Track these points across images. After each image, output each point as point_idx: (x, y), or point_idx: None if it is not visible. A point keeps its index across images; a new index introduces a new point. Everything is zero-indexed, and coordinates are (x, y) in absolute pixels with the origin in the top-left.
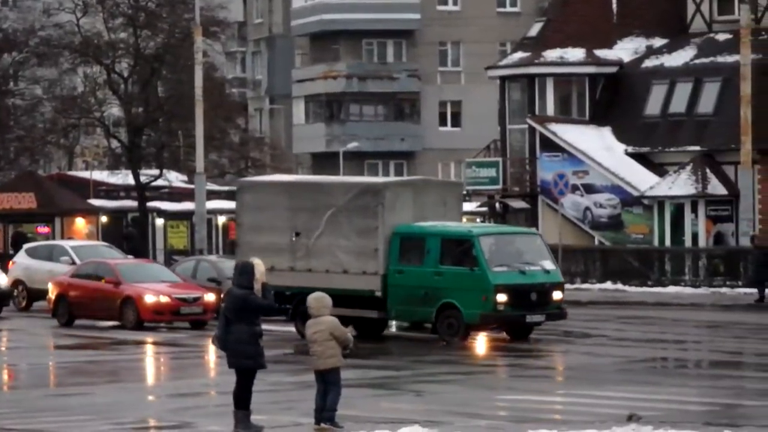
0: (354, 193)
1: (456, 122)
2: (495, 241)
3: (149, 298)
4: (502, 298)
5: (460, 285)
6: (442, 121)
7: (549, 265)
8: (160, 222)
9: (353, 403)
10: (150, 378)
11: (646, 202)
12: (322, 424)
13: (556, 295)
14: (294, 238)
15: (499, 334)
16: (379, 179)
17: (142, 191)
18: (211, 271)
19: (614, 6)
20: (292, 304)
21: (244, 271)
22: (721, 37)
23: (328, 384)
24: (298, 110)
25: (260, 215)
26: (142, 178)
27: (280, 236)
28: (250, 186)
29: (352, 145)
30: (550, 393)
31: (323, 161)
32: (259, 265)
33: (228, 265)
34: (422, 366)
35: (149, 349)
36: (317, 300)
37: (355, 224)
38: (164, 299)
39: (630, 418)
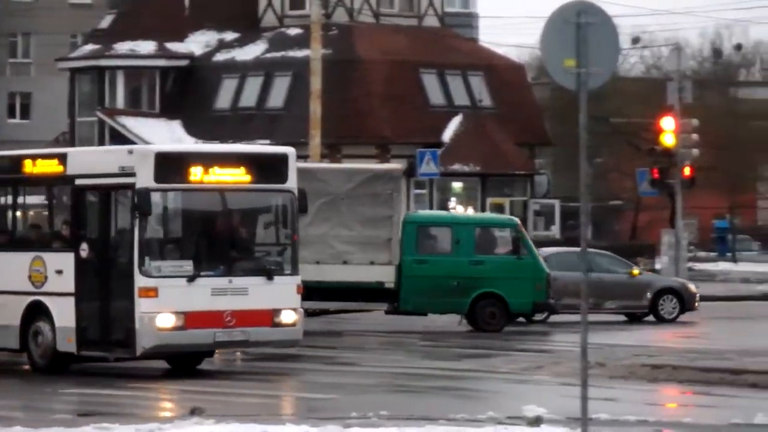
0: (359, 180)
1: (25, 114)
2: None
3: None
4: (548, 286)
5: (505, 274)
6: (11, 113)
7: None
8: None
9: None
10: None
11: None
12: None
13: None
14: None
15: None
16: (389, 165)
17: None
18: None
19: None
20: None
21: None
22: (293, 31)
23: None
24: None
25: None
26: None
27: None
28: None
29: None
30: (116, 386)
31: None
32: None
33: None
34: None
35: None
36: None
37: (359, 213)
38: None
39: (193, 412)
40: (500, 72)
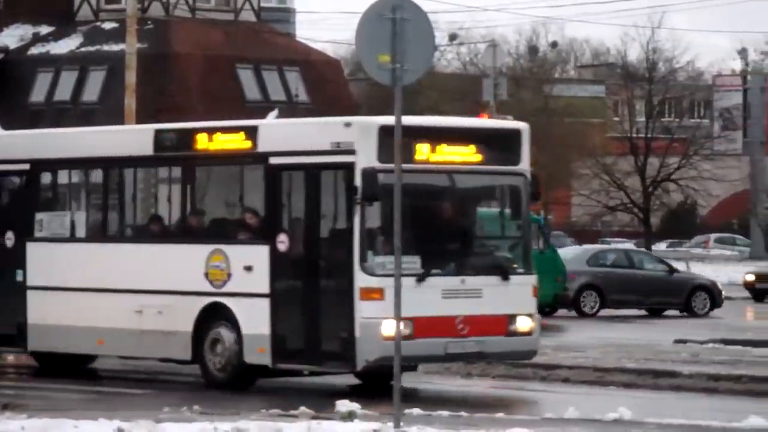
0: None
1: None
2: None
3: None
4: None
5: None
6: None
7: None
8: None
9: None
10: None
11: None
12: None
13: None
14: None
15: None
16: None
17: None
18: None
19: None
20: None
21: None
22: (108, 25)
23: None
24: None
25: None
26: None
27: None
28: None
29: None
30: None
31: None
32: None
33: None
34: None
35: None
36: None
37: None
38: None
39: (5, 407)
40: (316, 67)
